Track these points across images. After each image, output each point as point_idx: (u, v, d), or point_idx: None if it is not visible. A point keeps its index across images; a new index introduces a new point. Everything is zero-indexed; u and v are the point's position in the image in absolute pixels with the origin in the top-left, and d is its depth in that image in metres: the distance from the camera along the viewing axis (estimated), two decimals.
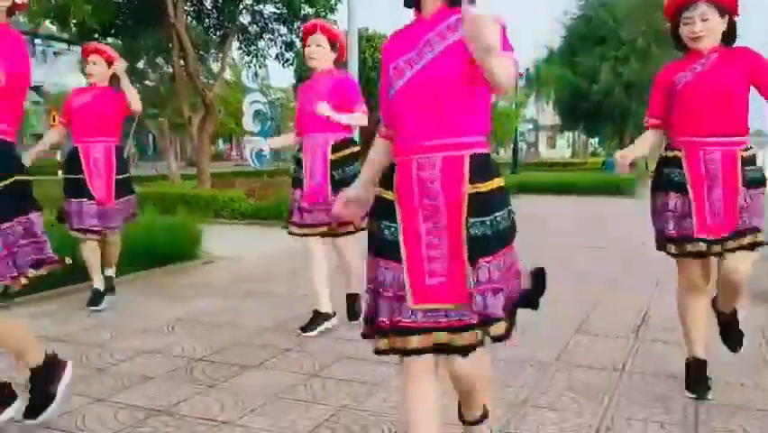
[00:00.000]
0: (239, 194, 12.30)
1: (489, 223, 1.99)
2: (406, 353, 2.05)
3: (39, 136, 19.16)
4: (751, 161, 3.05)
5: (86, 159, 4.88)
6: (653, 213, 3.24)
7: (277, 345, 4.07)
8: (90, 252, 4.97)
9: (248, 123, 15.45)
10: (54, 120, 5.88)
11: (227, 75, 39.56)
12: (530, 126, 53.10)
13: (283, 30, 17.77)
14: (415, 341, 2.02)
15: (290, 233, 4.35)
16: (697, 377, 3.21)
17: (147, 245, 6.38)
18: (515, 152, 28.98)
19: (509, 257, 2.06)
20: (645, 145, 3.31)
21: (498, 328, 2.00)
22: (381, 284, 2.05)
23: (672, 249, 3.15)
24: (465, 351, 2.03)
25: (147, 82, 21.64)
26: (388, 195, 2.07)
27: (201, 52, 19.55)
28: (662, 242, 3.19)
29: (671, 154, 3.16)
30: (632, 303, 5.15)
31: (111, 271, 5.21)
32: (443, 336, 2.01)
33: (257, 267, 6.87)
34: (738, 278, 3.09)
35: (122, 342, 4.16)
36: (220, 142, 55.00)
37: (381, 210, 2.09)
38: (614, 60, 24.58)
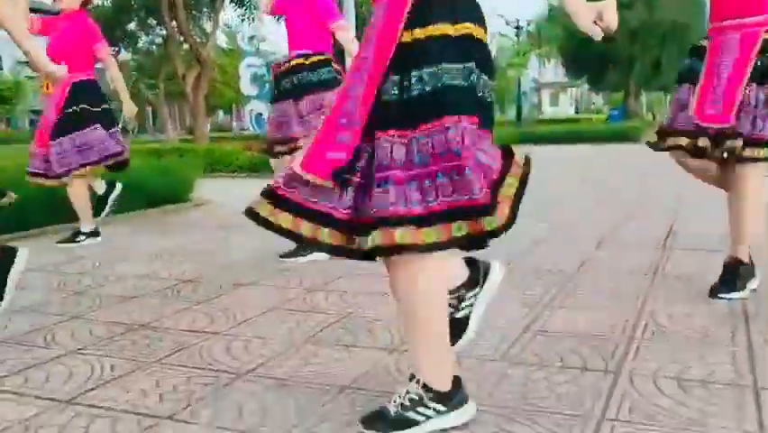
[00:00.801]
0: (236, 147, 11.91)
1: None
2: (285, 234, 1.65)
3: (38, 112, 18.82)
4: None
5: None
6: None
7: (274, 266, 3.73)
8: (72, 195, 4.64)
9: (246, 86, 15.10)
10: (48, 88, 5.56)
11: (223, 42, 39.03)
12: (533, 85, 52.32)
13: None
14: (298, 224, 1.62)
15: None
16: (728, 277, 2.80)
17: (138, 188, 6.03)
18: (518, 108, 28.55)
19: (446, 135, 1.50)
20: None
21: (382, 237, 1.47)
22: None
23: (663, 143, 2.81)
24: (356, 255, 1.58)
25: (140, 45, 21.21)
26: None
27: (193, 12, 19.06)
28: (656, 138, 2.85)
29: (699, 44, 2.84)
30: (656, 220, 4.80)
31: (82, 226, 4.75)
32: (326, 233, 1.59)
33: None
34: (743, 188, 2.71)
35: (106, 269, 3.83)
36: (220, 113, 54.34)
37: None
38: (618, 6, 23.78)
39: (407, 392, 1.67)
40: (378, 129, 1.53)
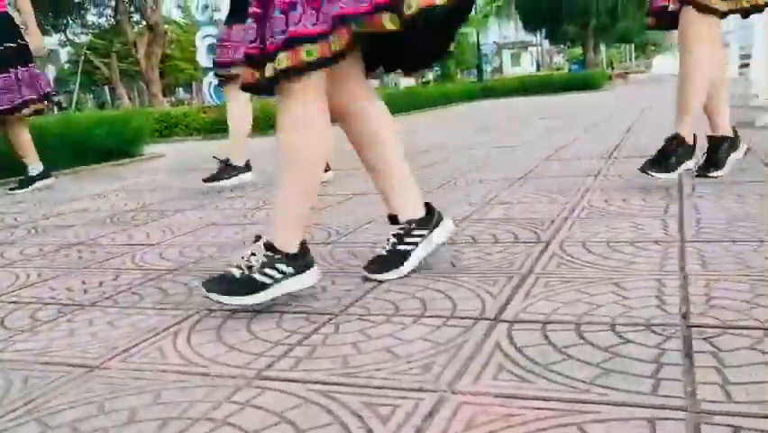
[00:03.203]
0: (192, 110, 11.71)
1: None
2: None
3: None
4: None
5: None
6: None
7: (220, 195, 3.67)
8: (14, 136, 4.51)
9: (202, 58, 14.75)
10: None
11: (179, 18, 38.11)
12: (494, 46, 52.16)
13: None
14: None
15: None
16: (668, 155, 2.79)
17: (87, 142, 5.89)
18: (479, 68, 28.44)
19: None
20: None
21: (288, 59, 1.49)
22: None
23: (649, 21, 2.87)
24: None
25: (89, 18, 20.59)
26: None
27: None
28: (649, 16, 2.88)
29: None
30: (609, 138, 4.83)
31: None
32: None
33: (209, 159, 6.41)
34: (684, 40, 2.72)
35: (44, 209, 3.73)
36: (180, 91, 53.35)
37: None
38: None
39: (252, 254, 1.60)
40: None
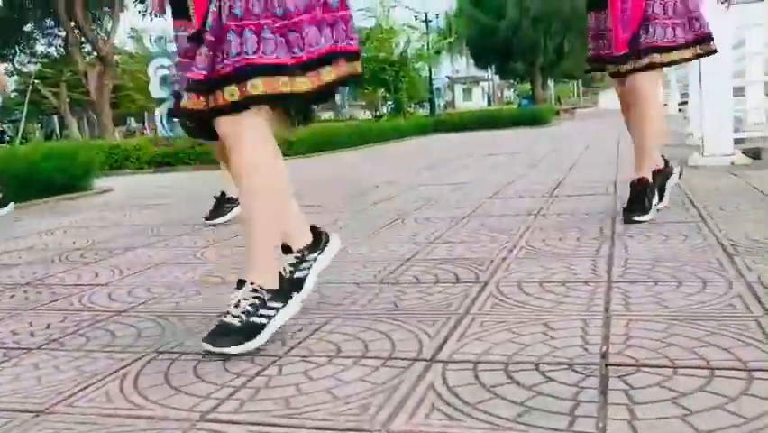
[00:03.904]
0: (143, 141, 11.64)
1: None
2: None
3: None
4: None
5: None
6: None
7: (168, 234, 3.69)
8: None
9: (155, 89, 14.67)
10: None
11: (131, 48, 37.85)
12: (446, 81, 53.19)
13: None
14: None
15: None
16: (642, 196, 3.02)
17: (31, 174, 5.82)
18: (431, 102, 28.95)
19: None
20: None
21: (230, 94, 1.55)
22: None
23: (589, 66, 3.11)
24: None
25: (38, 47, 20.30)
26: None
27: (93, 11, 18.43)
28: (587, 63, 3.12)
29: None
30: (550, 176, 5.02)
31: None
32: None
33: (157, 193, 6.40)
34: (636, 97, 2.96)
35: None
36: (132, 120, 52.67)
37: None
38: None
39: (244, 300, 1.66)
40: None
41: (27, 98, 20.36)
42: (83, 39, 16.18)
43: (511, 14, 24.32)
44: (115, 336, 1.87)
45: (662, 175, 3.12)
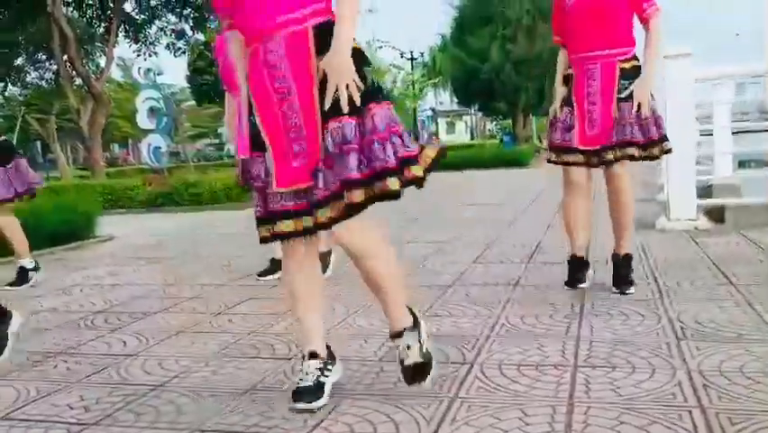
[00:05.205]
0: (135, 182, 11.93)
1: None
2: (284, 237, 2.12)
3: None
4: (631, 73, 3.29)
5: None
6: (549, 126, 3.51)
7: (180, 295, 4.04)
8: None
9: (143, 120, 14.98)
10: None
11: (119, 77, 38.06)
12: (429, 113, 54.09)
13: (173, 18, 17.32)
14: (286, 225, 2.09)
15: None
16: (574, 272, 3.53)
17: (39, 227, 6.12)
18: (415, 137, 29.66)
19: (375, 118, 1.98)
20: (561, 70, 3.53)
21: (356, 196, 1.95)
22: (256, 177, 2.13)
23: (553, 157, 3.44)
24: (329, 225, 2.04)
25: (29, 79, 20.59)
26: None
27: (85, 47, 18.80)
28: (549, 151, 3.48)
29: (568, 72, 3.45)
30: (527, 236, 5.42)
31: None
32: (309, 221, 2.07)
33: (159, 241, 6.73)
34: (619, 182, 3.37)
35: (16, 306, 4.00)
36: (116, 147, 52.78)
37: None
38: (502, 39, 25.37)
39: (313, 365, 2.21)
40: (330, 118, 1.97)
41: (17, 129, 20.63)
42: (74, 73, 16.46)
43: (494, 58, 25.06)
44: (159, 411, 2.21)
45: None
